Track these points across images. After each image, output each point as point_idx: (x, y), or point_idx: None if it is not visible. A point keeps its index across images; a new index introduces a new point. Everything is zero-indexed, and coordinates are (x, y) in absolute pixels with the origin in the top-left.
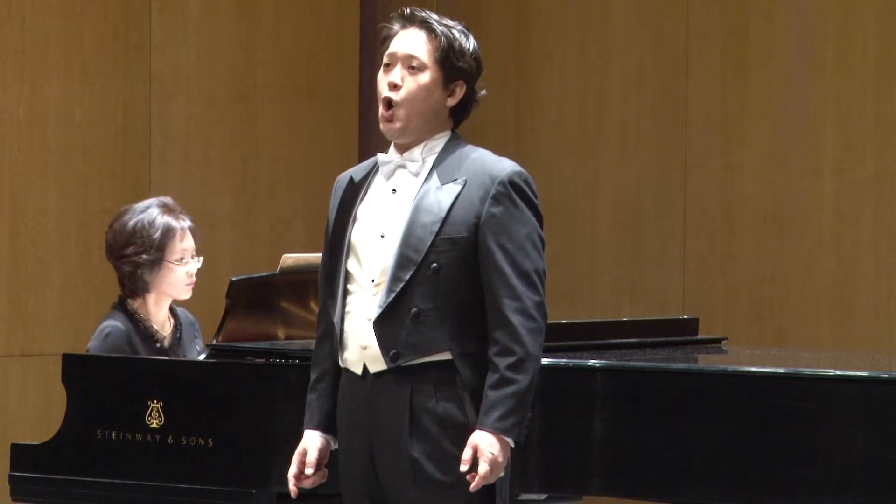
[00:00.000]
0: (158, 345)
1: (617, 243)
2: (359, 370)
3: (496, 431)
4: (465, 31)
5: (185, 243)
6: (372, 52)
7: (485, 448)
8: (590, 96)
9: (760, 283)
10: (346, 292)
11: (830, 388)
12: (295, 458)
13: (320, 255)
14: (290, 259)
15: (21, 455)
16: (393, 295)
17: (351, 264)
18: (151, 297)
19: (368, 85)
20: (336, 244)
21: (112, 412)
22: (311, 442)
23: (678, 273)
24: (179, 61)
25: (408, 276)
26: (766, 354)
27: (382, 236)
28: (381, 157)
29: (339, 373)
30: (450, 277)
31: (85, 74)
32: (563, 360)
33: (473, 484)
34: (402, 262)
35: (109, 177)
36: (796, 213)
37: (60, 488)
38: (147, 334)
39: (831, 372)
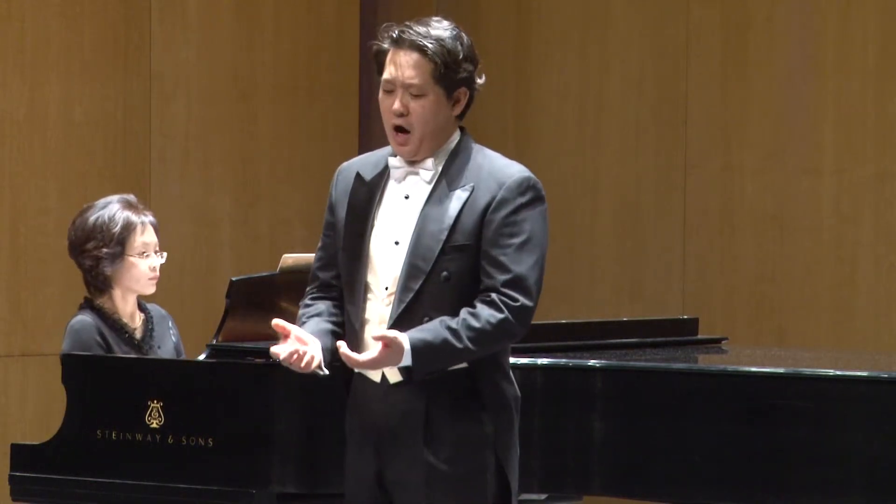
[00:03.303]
0: (127, 335)
1: (617, 243)
2: (377, 378)
3: (411, 354)
4: (454, 34)
5: (145, 237)
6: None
7: (393, 354)
8: (590, 96)
9: (760, 283)
10: (365, 299)
11: (830, 388)
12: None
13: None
14: (290, 259)
15: (21, 455)
16: (403, 305)
17: (368, 271)
18: (117, 293)
19: (368, 85)
20: (355, 249)
21: (112, 412)
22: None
23: (678, 273)
24: (179, 61)
25: (417, 286)
26: (766, 354)
27: (397, 243)
28: (392, 161)
29: (337, 320)
30: (460, 285)
31: (85, 74)
32: (563, 360)
33: (345, 353)
34: (411, 271)
35: (109, 177)
36: (796, 213)
37: (60, 488)
38: (116, 327)
39: (831, 372)
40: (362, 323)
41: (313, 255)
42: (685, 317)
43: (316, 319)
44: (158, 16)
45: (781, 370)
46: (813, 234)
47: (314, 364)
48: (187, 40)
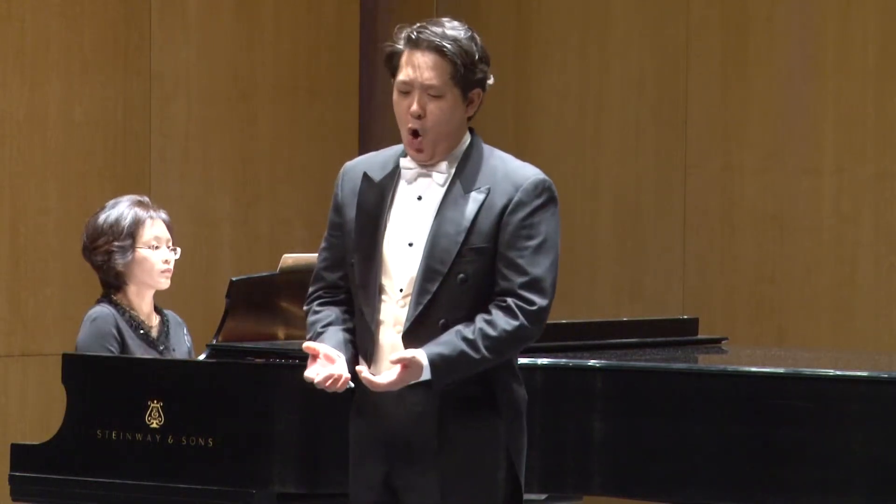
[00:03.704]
0: (143, 331)
1: (617, 243)
2: None
3: (430, 369)
4: (468, 34)
5: (155, 229)
6: (372, 52)
7: (412, 373)
8: (590, 96)
9: (760, 283)
10: (379, 301)
11: (830, 388)
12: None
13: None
14: (290, 259)
15: (21, 455)
16: (420, 307)
17: (381, 273)
18: (132, 290)
19: (368, 85)
20: (367, 250)
21: (112, 412)
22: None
23: (678, 273)
24: (179, 61)
25: (434, 288)
26: (766, 354)
27: (410, 245)
28: (403, 161)
29: (349, 326)
30: (477, 287)
31: (85, 74)
32: (563, 360)
33: (366, 378)
34: (428, 273)
35: (109, 177)
36: (796, 213)
37: (60, 488)
38: (133, 323)
39: (831, 372)
40: (377, 324)
41: (313, 254)
42: (685, 317)
43: (332, 330)
44: (158, 16)
45: (781, 370)
46: (813, 234)
47: (347, 384)
48: (187, 40)
